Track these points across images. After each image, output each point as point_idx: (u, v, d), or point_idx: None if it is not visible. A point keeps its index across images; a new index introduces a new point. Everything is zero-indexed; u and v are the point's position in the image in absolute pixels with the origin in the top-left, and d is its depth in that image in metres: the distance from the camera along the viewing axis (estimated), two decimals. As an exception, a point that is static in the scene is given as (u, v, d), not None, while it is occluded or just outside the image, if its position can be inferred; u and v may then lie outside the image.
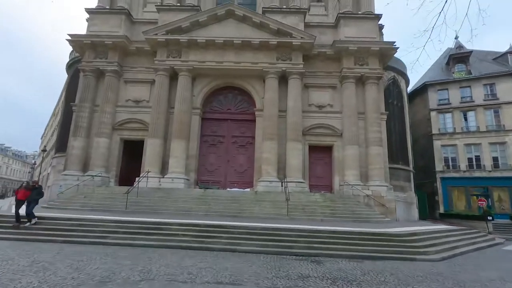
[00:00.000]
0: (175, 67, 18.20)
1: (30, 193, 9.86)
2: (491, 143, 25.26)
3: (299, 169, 17.08)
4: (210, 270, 6.18)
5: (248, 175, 18.50)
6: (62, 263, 6.24)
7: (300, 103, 17.92)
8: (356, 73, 18.23)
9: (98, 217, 10.23)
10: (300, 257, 7.93)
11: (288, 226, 9.87)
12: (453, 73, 27.73)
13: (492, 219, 20.66)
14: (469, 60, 27.54)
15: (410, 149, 22.29)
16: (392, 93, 21.71)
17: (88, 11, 19.54)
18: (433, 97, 27.22)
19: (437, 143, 26.24)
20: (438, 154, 26.03)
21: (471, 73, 26.96)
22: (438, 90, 27.35)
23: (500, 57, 28.08)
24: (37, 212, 11.18)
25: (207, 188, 16.49)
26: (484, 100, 26.25)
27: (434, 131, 26.61)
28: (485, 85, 26.43)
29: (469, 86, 26.57)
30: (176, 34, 18.17)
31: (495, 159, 25.03)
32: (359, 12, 19.39)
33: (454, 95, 26.68)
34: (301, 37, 17.96)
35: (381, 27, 20.64)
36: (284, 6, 19.62)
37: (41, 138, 68.95)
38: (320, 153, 18.57)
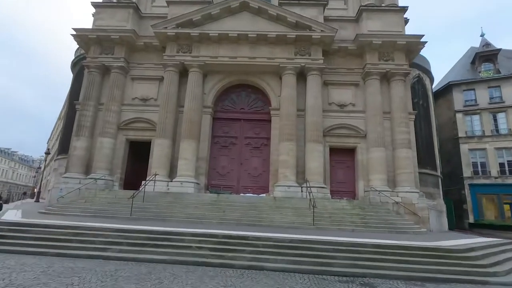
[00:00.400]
0: (185, 62, 16.95)
1: None
2: (525, 147, 23.23)
3: (320, 173, 15.55)
4: (239, 298, 4.68)
5: (263, 179, 17.02)
6: None
7: (321, 101, 16.48)
8: (380, 69, 16.77)
9: (98, 225, 8.82)
10: (345, 278, 6.39)
11: (320, 238, 8.32)
12: (479, 72, 26.04)
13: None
14: (497, 58, 25.84)
15: (437, 152, 20.57)
16: (417, 92, 20.15)
17: (94, 4, 18.49)
18: (459, 98, 25.50)
19: (464, 147, 24.43)
20: (465, 159, 24.19)
21: (499, 72, 25.21)
22: (464, 90, 25.63)
23: (530, 55, 26.25)
24: (32, 218, 9.86)
25: (220, 193, 15.01)
26: (516, 100, 24.34)
27: (461, 134, 24.82)
28: (516, 84, 24.51)
29: (499, 86, 24.80)
30: (186, 28, 16.98)
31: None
32: (383, 5, 18.03)
33: (482, 96, 24.94)
34: (321, 30, 16.61)
35: (405, 21, 19.18)
36: (302, -1, 18.32)
37: (47, 143, 68.44)
38: (342, 156, 17.03)
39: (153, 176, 14.61)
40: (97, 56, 17.58)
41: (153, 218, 11.40)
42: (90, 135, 16.76)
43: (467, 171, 24.17)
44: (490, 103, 24.94)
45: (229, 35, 16.72)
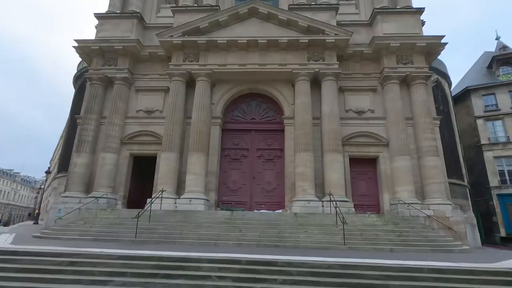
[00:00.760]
0: (192, 71, 16.05)
1: None
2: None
3: (341, 185, 14.22)
4: None
5: (278, 194, 15.70)
6: None
7: (337, 107, 15.39)
8: (400, 73, 15.75)
9: (98, 251, 7.49)
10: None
11: (363, 261, 6.93)
12: (498, 76, 25.02)
13: None
14: (517, 61, 24.89)
15: (463, 160, 19.18)
16: (436, 97, 19.02)
17: (97, 16, 17.87)
18: (478, 103, 24.35)
19: (488, 155, 23.01)
20: (491, 167, 22.71)
21: (519, 75, 24.21)
22: (483, 95, 24.52)
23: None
24: (24, 243, 8.58)
25: (233, 210, 13.64)
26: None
27: (483, 141, 23.47)
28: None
29: (521, 89, 23.64)
30: (193, 36, 16.19)
31: None
32: (398, 7, 17.26)
33: (503, 100, 23.79)
34: (335, 34, 15.74)
35: (422, 23, 18.36)
36: (313, 3, 17.63)
37: (50, 162, 67.53)
38: (363, 167, 15.73)
39: (160, 192, 13.35)
40: (99, 68, 16.76)
41: (161, 240, 10.05)
42: (91, 150, 15.66)
43: (493, 180, 22.62)
44: (513, 108, 23.70)
45: (238, 41, 15.89)
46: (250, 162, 16.38)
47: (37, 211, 31.12)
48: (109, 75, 16.50)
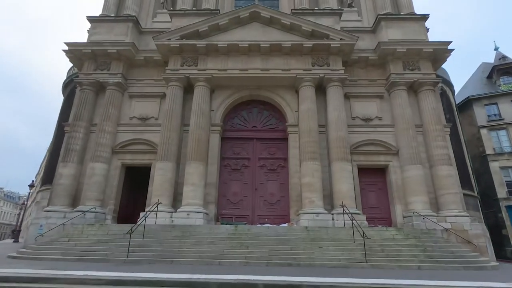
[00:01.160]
0: (190, 76, 15.16)
1: None
2: None
3: (351, 197, 13.23)
4: None
5: (282, 206, 14.62)
6: None
7: (344, 114, 14.62)
8: (407, 79, 15.20)
9: (82, 274, 6.23)
10: None
11: (398, 284, 5.85)
12: (499, 86, 24.92)
13: None
14: (517, 71, 24.88)
15: (471, 171, 18.49)
16: (442, 105, 18.48)
17: (90, 19, 16.98)
18: (481, 113, 24.06)
19: (494, 165, 22.47)
20: (498, 178, 22.11)
21: (520, 84, 24.13)
22: (486, 105, 24.29)
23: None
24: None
25: (235, 225, 12.41)
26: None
27: (489, 151, 22.99)
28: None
29: (523, 98, 23.47)
30: (192, 40, 15.41)
31: None
32: (402, 13, 16.94)
33: (506, 110, 23.53)
34: (340, 38, 15.18)
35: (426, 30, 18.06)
36: (316, 8, 17.18)
37: (36, 177, 64.71)
38: (372, 177, 14.84)
39: (155, 205, 12.08)
40: (91, 73, 15.72)
41: (157, 259, 8.77)
42: (79, 160, 14.38)
43: (501, 192, 21.97)
44: (516, 117, 23.44)
45: (240, 45, 15.16)
46: (251, 172, 15.33)
47: (18, 228, 29.00)
48: (101, 80, 15.46)
